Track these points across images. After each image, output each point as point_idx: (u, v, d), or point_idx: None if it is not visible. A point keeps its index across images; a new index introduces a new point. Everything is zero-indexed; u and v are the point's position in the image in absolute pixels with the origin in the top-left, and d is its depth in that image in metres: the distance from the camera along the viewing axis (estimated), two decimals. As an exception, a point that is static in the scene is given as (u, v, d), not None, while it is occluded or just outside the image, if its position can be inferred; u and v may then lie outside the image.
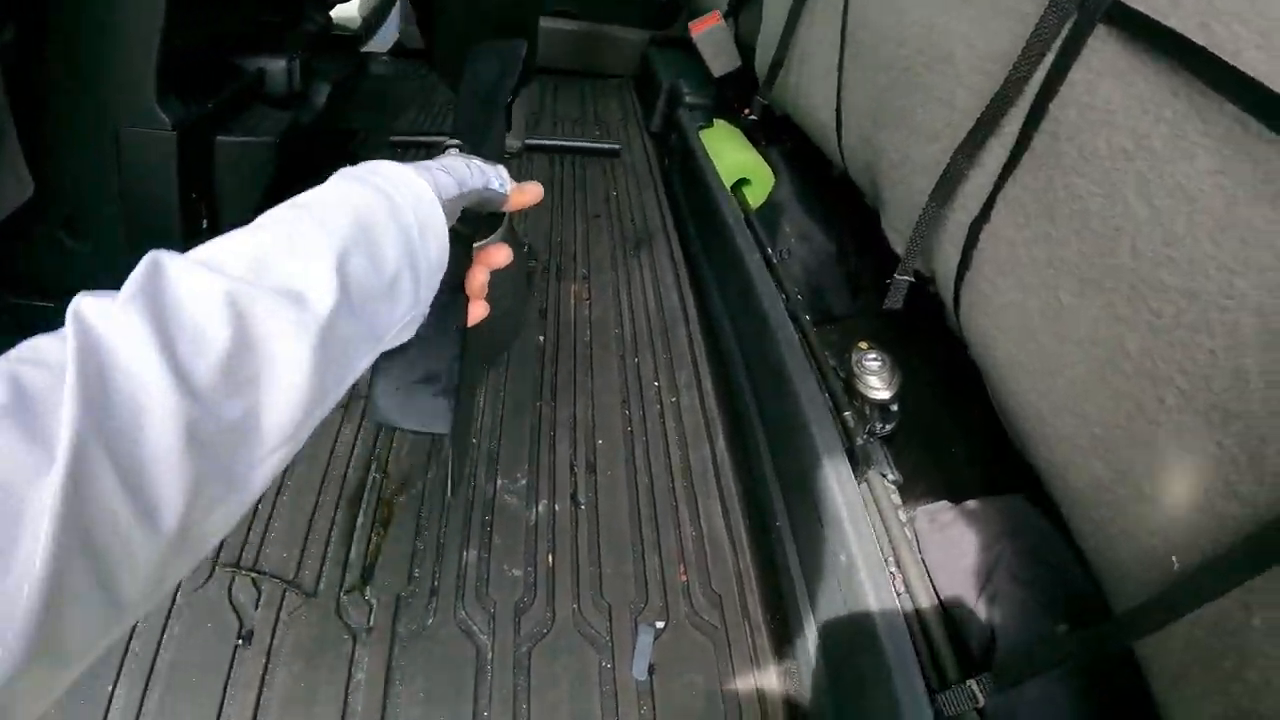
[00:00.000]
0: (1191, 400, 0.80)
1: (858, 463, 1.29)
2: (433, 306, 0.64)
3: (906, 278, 1.31)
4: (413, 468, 1.72)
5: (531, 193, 0.80)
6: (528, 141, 2.96)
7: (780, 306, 1.55)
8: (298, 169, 2.00)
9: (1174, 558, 0.81)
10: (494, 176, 0.73)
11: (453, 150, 0.77)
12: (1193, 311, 0.80)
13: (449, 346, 0.69)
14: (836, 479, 1.20)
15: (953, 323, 1.31)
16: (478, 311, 0.74)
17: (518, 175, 0.76)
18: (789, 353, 1.42)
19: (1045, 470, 1.08)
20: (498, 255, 0.77)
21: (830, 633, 1.17)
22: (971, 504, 1.31)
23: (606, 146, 3.13)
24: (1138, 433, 0.86)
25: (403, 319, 0.60)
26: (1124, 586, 0.90)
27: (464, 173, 0.69)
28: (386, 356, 0.64)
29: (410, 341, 0.65)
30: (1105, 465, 0.91)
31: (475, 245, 0.76)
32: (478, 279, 0.74)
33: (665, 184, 2.90)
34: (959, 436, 1.55)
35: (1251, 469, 0.73)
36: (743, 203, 2.42)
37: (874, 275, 2.27)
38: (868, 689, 1.05)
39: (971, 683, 0.98)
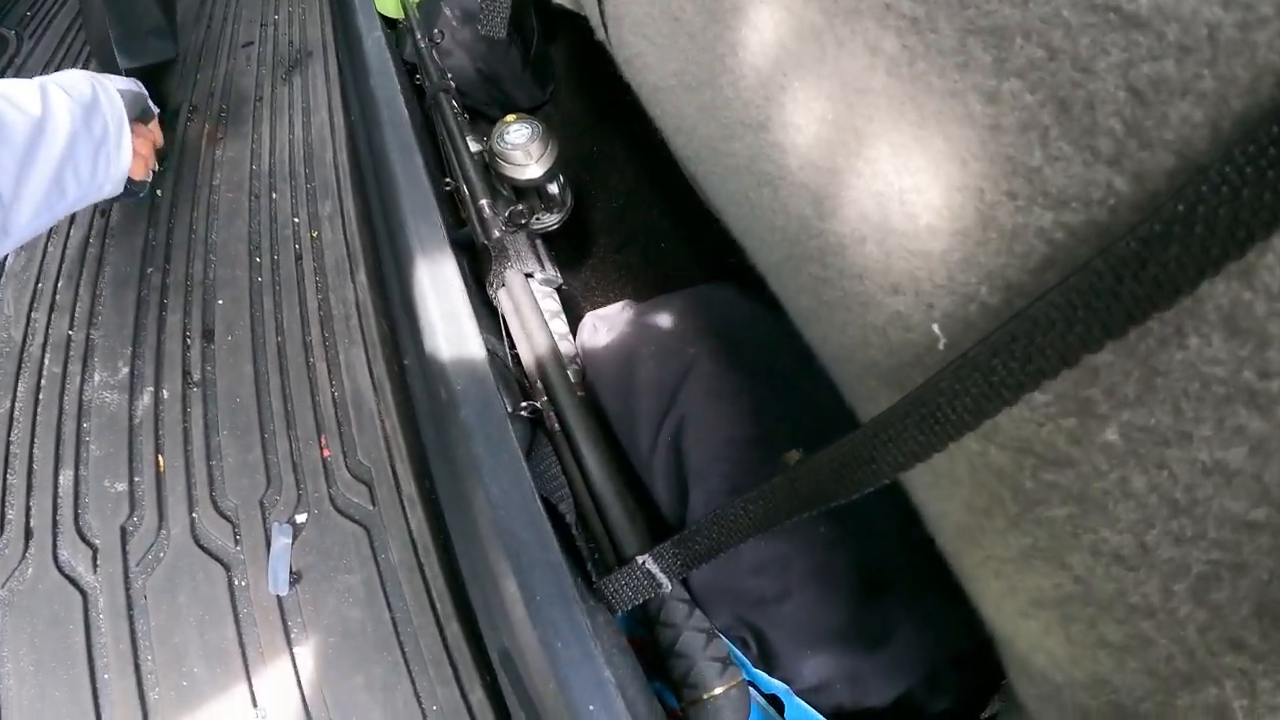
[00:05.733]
0: (927, 31, 0.38)
1: (489, 262, 0.84)
2: None
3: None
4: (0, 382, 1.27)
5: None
6: None
7: (393, 87, 1.05)
8: None
9: (936, 328, 0.40)
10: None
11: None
12: None
13: None
14: (434, 287, 0.75)
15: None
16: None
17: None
18: (392, 135, 0.94)
19: (737, 229, 0.66)
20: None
21: (458, 497, 0.75)
22: (659, 299, 0.90)
23: None
24: (844, 119, 0.44)
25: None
26: (866, 387, 0.50)
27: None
28: None
29: None
30: (805, 192, 0.49)
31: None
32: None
33: (330, -4, 2.32)
34: (676, 225, 1.15)
35: (1066, 130, 0.33)
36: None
37: (570, 57, 1.82)
38: (499, 579, 0.62)
39: (645, 559, 0.58)
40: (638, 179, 1.41)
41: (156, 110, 1.24)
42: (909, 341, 0.43)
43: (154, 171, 1.26)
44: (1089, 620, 0.36)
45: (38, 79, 0.97)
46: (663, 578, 0.57)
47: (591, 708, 0.53)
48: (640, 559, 0.57)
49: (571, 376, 0.74)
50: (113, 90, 1.08)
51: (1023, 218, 0.34)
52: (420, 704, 0.89)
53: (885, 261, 0.43)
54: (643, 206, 1.34)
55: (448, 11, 1.72)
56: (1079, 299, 0.28)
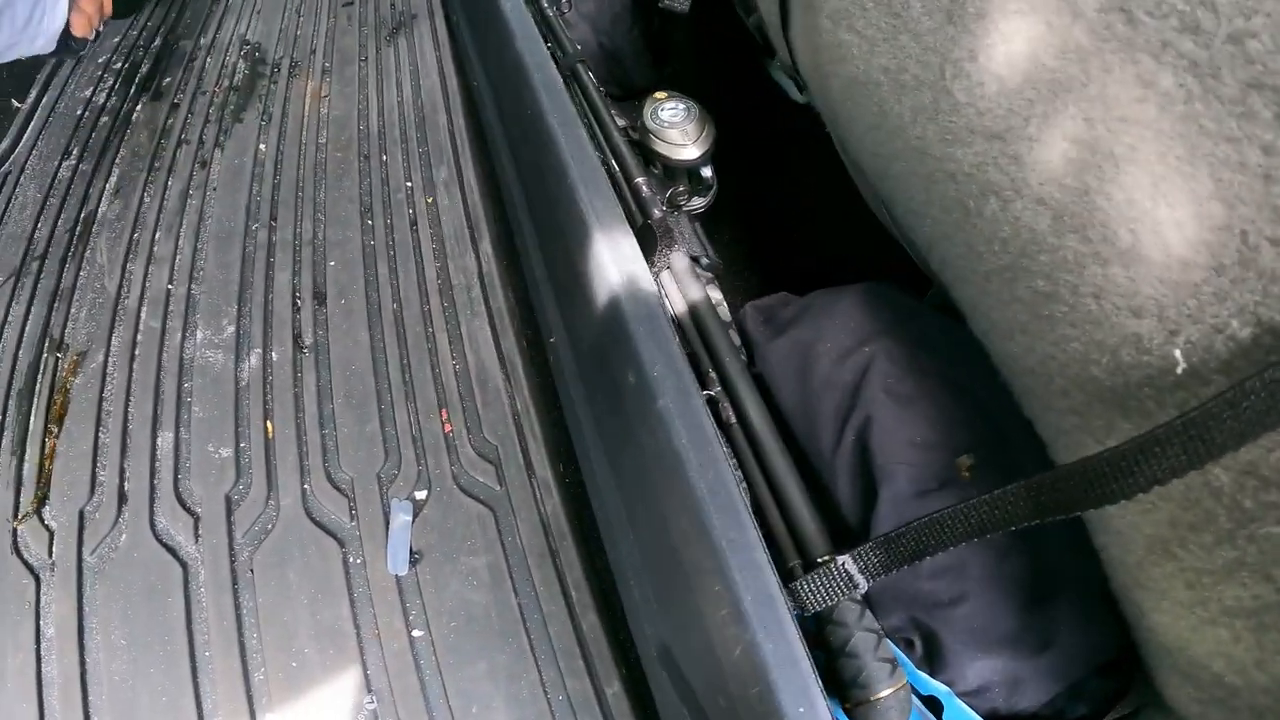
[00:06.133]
0: (1207, 76, 0.46)
1: (654, 242, 0.92)
2: None
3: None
4: (92, 334, 1.36)
5: None
6: None
7: (542, 53, 1.13)
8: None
9: (1178, 353, 0.48)
10: None
11: None
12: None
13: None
14: (616, 263, 0.82)
15: (786, 61, 0.96)
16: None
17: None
18: (551, 102, 1.02)
19: (930, 234, 0.74)
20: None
21: (635, 487, 0.82)
22: (822, 293, 0.98)
23: None
24: (1103, 143, 0.52)
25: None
26: (1071, 401, 0.58)
27: None
28: None
29: None
30: (1042, 208, 0.58)
31: None
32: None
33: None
34: (798, 219, 1.22)
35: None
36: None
37: (688, 37, 1.90)
38: (695, 577, 0.70)
39: (845, 560, 0.66)
40: (756, 168, 1.48)
41: None
42: (1142, 363, 0.51)
43: (98, 32, 1.54)
44: None
45: None
46: (861, 579, 0.65)
47: (800, 710, 0.59)
48: (840, 559, 0.65)
49: (743, 368, 0.83)
50: None
51: (1284, 263, 0.43)
52: (546, 695, 0.96)
53: (1130, 285, 0.51)
54: (761, 197, 1.41)
55: (572, -19, 1.82)
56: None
